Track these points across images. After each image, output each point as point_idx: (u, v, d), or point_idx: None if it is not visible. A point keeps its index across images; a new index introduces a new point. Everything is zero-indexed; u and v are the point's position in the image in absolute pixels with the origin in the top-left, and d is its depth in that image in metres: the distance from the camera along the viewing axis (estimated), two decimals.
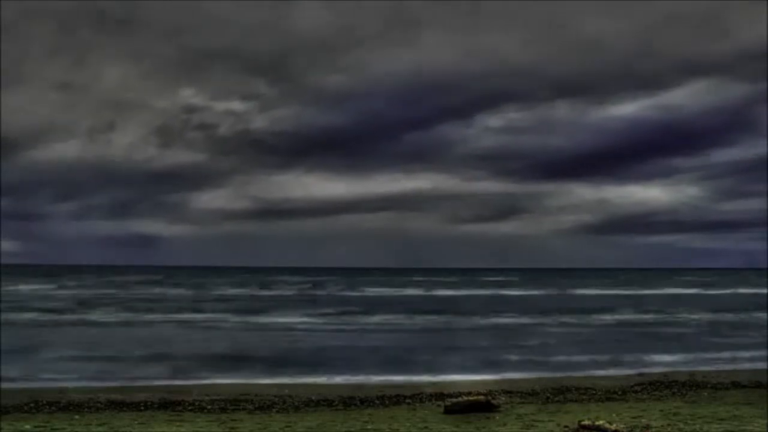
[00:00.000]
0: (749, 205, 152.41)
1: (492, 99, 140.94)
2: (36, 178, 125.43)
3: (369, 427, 11.24)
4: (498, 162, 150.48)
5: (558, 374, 18.31)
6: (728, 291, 70.68)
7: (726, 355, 22.65)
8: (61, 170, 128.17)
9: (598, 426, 10.38)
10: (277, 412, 13.12)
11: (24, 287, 64.97)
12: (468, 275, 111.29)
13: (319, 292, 63.61)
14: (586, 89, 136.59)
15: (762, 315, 38.68)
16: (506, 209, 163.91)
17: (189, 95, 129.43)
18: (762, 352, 22.63)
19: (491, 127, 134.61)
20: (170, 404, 13.59)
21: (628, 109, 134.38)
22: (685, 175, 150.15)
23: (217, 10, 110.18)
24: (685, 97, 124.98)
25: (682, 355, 22.47)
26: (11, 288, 62.30)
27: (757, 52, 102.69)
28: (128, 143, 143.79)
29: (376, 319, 36.93)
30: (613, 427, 10.35)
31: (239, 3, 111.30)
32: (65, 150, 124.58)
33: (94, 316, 37.98)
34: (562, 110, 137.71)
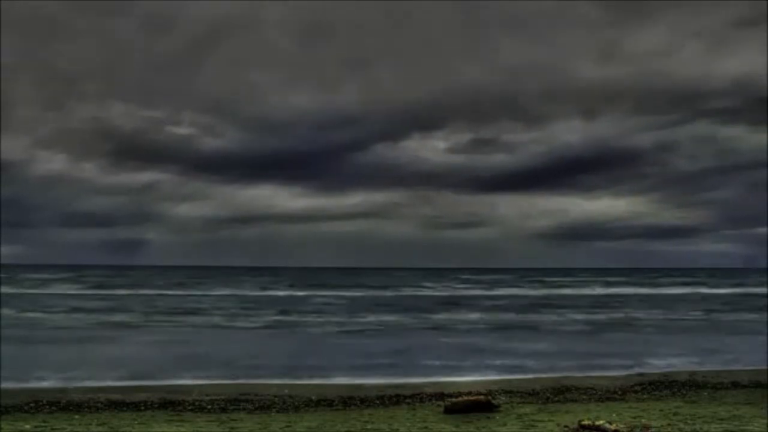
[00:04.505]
0: (688, 213, 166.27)
1: (414, 125, 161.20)
2: (27, 192, 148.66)
3: (369, 427, 11.24)
4: (442, 177, 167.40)
5: (558, 374, 18.31)
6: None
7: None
8: (48, 186, 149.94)
9: (598, 426, 10.39)
10: (277, 412, 13.12)
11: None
12: (450, 275, 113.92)
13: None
14: (493, 119, 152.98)
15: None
16: (463, 218, 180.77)
17: (146, 120, 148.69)
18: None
19: (422, 148, 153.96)
20: (170, 404, 13.59)
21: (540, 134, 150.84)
22: (611, 189, 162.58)
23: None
24: (572, 129, 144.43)
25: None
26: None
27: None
28: (99, 162, 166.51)
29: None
30: (613, 427, 10.36)
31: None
32: (51, 169, 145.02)
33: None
34: (487, 134, 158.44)
